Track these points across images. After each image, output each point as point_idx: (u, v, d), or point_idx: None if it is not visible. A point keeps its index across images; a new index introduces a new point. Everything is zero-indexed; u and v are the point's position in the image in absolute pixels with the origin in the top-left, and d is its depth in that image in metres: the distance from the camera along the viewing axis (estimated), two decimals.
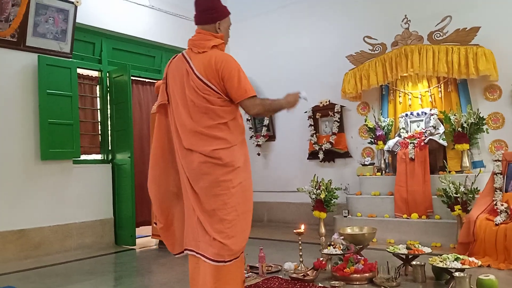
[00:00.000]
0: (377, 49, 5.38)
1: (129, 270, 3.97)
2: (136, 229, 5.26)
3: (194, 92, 2.28)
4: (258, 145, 6.80)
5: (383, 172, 5.26)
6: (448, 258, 2.89)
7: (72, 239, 4.96)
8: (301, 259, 3.43)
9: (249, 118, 6.98)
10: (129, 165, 5.15)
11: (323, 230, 4.76)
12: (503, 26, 4.77)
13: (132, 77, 5.62)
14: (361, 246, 3.55)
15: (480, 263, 2.92)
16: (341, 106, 6.02)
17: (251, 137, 6.97)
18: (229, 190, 2.28)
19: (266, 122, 6.76)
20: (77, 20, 5.09)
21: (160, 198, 2.48)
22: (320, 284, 2.98)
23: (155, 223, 2.56)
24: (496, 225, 3.57)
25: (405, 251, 3.25)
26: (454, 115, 4.70)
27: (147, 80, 6.22)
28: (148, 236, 5.43)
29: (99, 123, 5.58)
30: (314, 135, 6.23)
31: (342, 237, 3.59)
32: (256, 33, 7.12)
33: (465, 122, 4.58)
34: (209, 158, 2.26)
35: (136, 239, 5.18)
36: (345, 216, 5.04)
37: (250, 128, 6.99)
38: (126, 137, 5.24)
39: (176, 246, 2.52)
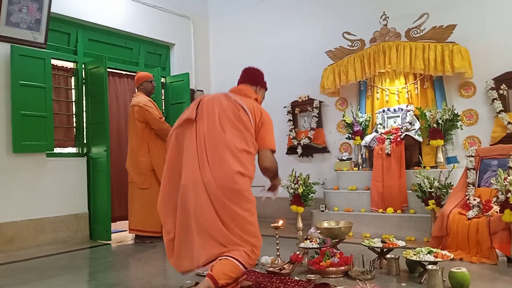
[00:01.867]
0: (355, 45, 5.42)
1: (104, 265, 3.91)
2: (112, 223, 5.17)
3: (235, 112, 2.61)
4: None
5: (360, 167, 5.31)
6: (422, 251, 2.94)
7: (46, 234, 4.84)
8: (278, 253, 3.44)
9: None
10: (105, 159, 5.05)
11: (300, 224, 4.81)
12: (479, 24, 4.87)
13: (108, 69, 5.50)
14: (337, 240, 3.58)
15: (452, 256, 2.98)
16: (320, 102, 6.05)
17: None
18: (247, 219, 2.48)
19: None
20: (52, 10, 4.94)
21: (170, 215, 2.63)
22: (296, 278, 2.99)
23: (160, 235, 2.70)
24: (469, 219, 3.65)
25: (380, 245, 3.29)
26: (430, 111, 4.78)
27: (124, 72, 6.09)
28: (124, 231, 5.36)
29: (74, 116, 5.46)
30: (293, 130, 6.25)
31: (319, 231, 3.62)
32: (236, 28, 7.09)
33: (440, 118, 4.66)
34: (230, 182, 2.43)
35: (112, 234, 5.10)
36: (322, 211, 5.08)
37: None
38: (102, 130, 5.13)
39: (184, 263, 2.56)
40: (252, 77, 2.94)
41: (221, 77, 7.16)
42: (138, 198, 4.81)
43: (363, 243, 3.40)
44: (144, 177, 4.82)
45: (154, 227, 4.82)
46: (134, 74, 5.36)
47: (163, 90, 6.26)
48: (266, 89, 3.01)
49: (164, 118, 5.12)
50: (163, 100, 6.22)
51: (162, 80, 6.26)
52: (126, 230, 5.17)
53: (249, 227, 2.48)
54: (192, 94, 6.58)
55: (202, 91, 6.93)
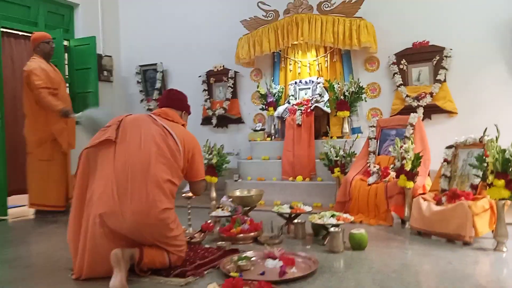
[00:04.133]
0: (270, 15, 5.45)
1: (0, 241, 3.60)
2: (8, 198, 4.75)
3: (163, 138, 2.41)
4: (149, 109, 6.55)
5: (273, 137, 5.44)
6: (326, 215, 3.10)
7: None
8: (189, 223, 3.43)
9: (140, 81, 6.66)
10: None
11: (214, 194, 4.83)
12: (384, 1, 5.13)
13: (2, 29, 4.94)
14: (248, 208, 3.65)
15: (353, 219, 3.19)
16: (235, 72, 6.03)
17: (141, 100, 6.68)
18: (172, 238, 2.38)
19: (158, 85, 6.50)
20: None
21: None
22: (206, 246, 3.01)
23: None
24: (369, 185, 3.92)
25: (288, 211, 3.42)
26: (338, 84, 5.00)
27: (20, 33, 5.50)
28: (22, 206, 4.97)
29: None
30: (208, 100, 6.18)
31: (231, 199, 3.66)
32: None
33: (347, 91, 4.91)
34: (153, 219, 2.25)
35: (8, 209, 4.69)
36: (235, 180, 5.14)
37: (141, 91, 6.69)
38: None
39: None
40: (177, 101, 2.79)
41: (132, 42, 6.79)
42: (38, 171, 4.46)
43: (273, 210, 3.51)
44: (44, 147, 4.46)
45: (56, 201, 4.52)
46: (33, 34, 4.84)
47: (66, 54, 5.78)
48: (190, 114, 2.89)
49: (55, 89, 4.49)
50: (66, 65, 5.75)
51: (65, 43, 5.77)
52: (25, 205, 4.79)
53: (175, 242, 2.40)
54: (99, 60, 6.18)
55: (110, 56, 6.53)
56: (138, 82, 6.66)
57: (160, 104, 2.82)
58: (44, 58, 4.58)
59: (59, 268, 2.65)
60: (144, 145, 2.35)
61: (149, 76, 6.63)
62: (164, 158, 2.36)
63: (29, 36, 5.43)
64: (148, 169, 2.28)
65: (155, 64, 6.52)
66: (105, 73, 6.44)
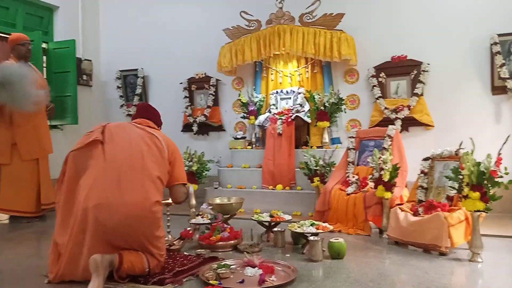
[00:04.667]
0: (252, 25, 5.49)
1: None
2: None
3: (151, 138, 2.53)
4: (129, 115, 6.47)
5: (254, 146, 5.45)
6: (305, 224, 3.12)
7: None
8: (168, 230, 3.39)
9: (120, 86, 6.59)
10: None
11: (193, 201, 4.76)
12: (364, 16, 5.25)
13: None
14: (228, 216, 3.64)
15: (332, 228, 3.22)
16: (217, 80, 6.03)
17: (121, 105, 6.60)
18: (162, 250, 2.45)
19: (138, 90, 6.44)
20: None
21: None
22: (185, 253, 2.98)
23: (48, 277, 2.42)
24: (348, 195, 3.97)
25: (268, 219, 3.43)
26: (318, 94, 5.07)
27: None
28: None
29: None
30: (189, 107, 6.16)
31: (211, 207, 3.64)
32: None
33: (327, 101, 4.97)
34: (146, 212, 2.28)
35: None
36: (216, 188, 5.12)
37: (121, 96, 6.61)
38: None
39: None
40: (155, 116, 2.87)
41: (112, 47, 6.71)
42: (2, 175, 4.36)
43: (253, 218, 3.51)
44: (3, 151, 4.35)
45: (25, 207, 4.41)
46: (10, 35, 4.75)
47: (44, 56, 5.68)
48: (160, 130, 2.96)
49: None
50: (45, 68, 5.65)
51: (44, 45, 5.67)
52: None
53: (158, 243, 2.42)
54: (79, 63, 6.09)
55: (90, 60, 6.45)
56: (118, 87, 6.59)
57: (137, 115, 2.85)
58: (20, 60, 4.50)
59: (30, 275, 2.57)
60: (134, 143, 2.45)
61: (129, 81, 6.56)
62: (154, 156, 2.46)
63: (6, 37, 5.32)
64: (141, 164, 2.37)
65: (136, 70, 6.47)
66: (85, 77, 6.35)
